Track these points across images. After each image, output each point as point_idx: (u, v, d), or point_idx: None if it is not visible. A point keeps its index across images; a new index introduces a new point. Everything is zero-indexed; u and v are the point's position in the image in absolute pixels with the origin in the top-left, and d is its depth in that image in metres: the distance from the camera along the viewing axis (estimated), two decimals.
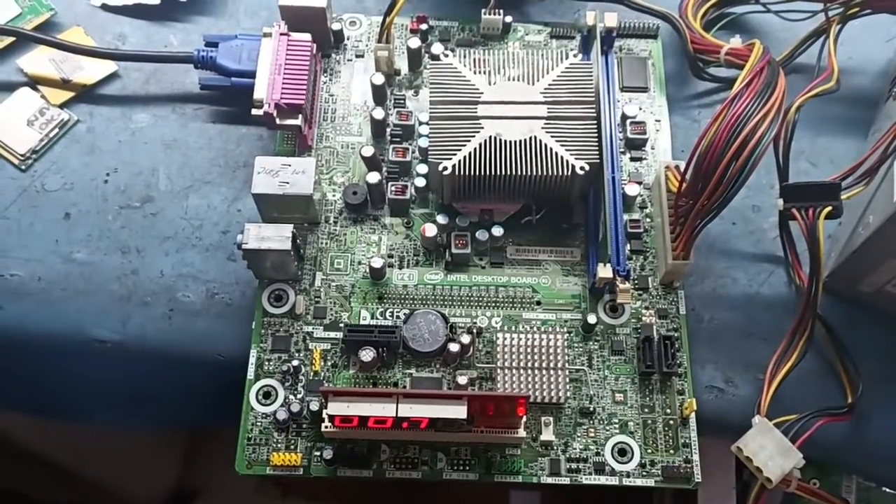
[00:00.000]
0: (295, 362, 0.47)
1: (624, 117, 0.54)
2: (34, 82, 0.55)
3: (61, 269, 0.51)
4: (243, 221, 0.52)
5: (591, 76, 0.51)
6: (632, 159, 0.54)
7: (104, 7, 0.58)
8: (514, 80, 0.51)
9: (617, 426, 0.47)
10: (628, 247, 0.51)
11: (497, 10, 0.56)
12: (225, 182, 0.54)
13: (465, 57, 0.52)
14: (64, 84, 0.55)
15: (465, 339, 0.47)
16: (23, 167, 0.54)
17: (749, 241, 0.53)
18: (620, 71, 0.56)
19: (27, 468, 0.75)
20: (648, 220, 0.52)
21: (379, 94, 0.54)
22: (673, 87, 0.57)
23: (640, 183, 0.52)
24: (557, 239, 0.51)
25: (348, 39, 0.57)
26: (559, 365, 0.47)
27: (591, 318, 0.48)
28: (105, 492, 0.78)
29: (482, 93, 0.50)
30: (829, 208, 0.47)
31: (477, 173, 0.48)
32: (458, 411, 0.41)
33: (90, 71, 0.56)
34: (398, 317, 0.49)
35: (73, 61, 0.56)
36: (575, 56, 0.51)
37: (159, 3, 0.58)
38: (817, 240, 0.47)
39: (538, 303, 0.50)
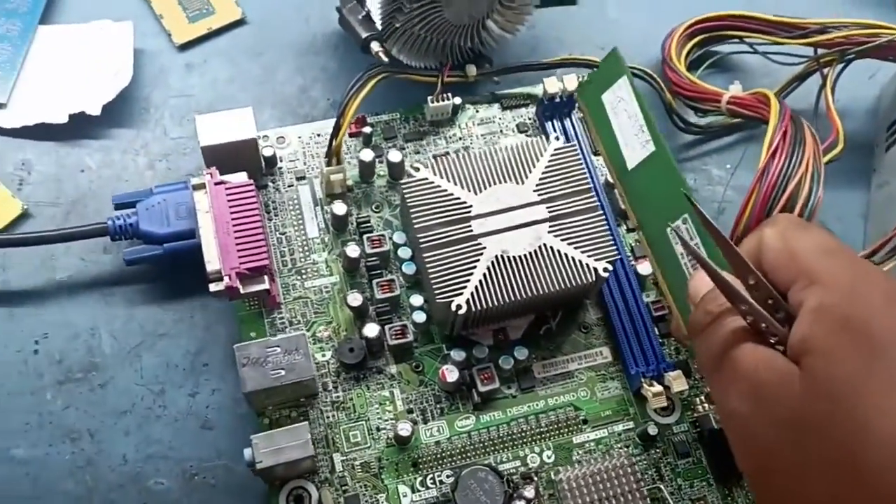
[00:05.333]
0: None
1: (609, 185, 0.49)
2: None
3: None
4: (212, 378, 0.45)
5: (579, 158, 0.45)
6: (629, 230, 0.49)
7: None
8: (499, 181, 0.44)
9: None
10: (656, 330, 0.47)
11: (444, 96, 0.49)
12: (183, 331, 0.45)
13: (437, 166, 0.45)
14: None
15: (529, 492, 0.42)
16: None
17: None
18: (588, 133, 0.51)
19: None
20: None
21: (340, 223, 0.47)
22: None
23: (646, 257, 0.48)
24: (580, 342, 0.46)
25: (282, 161, 0.49)
26: (634, 487, 0.42)
27: (652, 429, 0.44)
28: None
29: (471, 206, 0.44)
30: None
31: (492, 304, 0.42)
32: None
33: None
34: (441, 482, 0.43)
35: None
36: (556, 139, 0.46)
37: (67, 121, 0.48)
38: None
39: (584, 421, 0.45)
